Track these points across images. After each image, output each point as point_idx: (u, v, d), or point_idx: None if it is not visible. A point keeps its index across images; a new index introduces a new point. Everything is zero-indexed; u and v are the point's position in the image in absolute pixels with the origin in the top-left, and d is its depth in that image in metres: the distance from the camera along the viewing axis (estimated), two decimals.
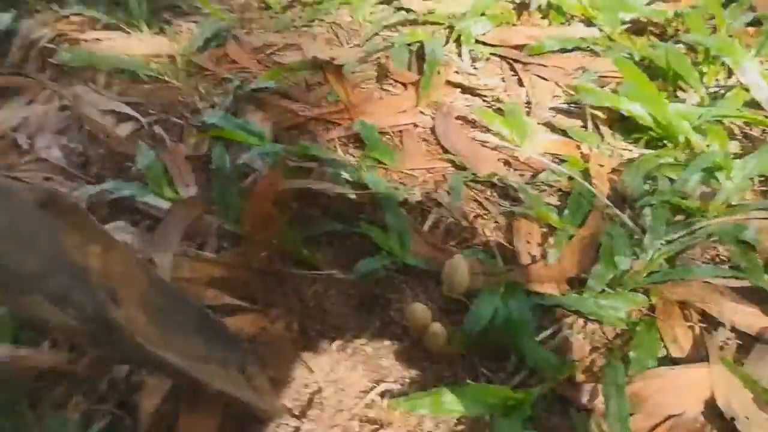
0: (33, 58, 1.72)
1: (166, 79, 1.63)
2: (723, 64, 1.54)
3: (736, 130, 1.44)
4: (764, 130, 1.40)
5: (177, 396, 0.92)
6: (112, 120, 1.52)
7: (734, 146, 1.40)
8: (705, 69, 1.58)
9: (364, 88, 1.59)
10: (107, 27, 1.83)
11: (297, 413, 0.93)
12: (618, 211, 1.19)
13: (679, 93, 1.54)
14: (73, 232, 0.75)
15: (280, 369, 0.99)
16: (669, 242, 1.11)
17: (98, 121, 1.50)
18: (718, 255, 1.16)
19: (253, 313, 1.05)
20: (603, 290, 1.08)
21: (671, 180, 1.23)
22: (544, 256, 1.12)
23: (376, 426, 0.91)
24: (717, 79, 1.58)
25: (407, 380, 0.97)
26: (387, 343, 1.03)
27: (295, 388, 0.97)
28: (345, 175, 1.23)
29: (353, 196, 1.20)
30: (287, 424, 0.91)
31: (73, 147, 1.45)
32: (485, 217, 1.21)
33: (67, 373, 0.97)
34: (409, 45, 1.69)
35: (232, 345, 0.95)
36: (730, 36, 1.62)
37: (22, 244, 0.59)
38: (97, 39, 1.76)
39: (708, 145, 1.32)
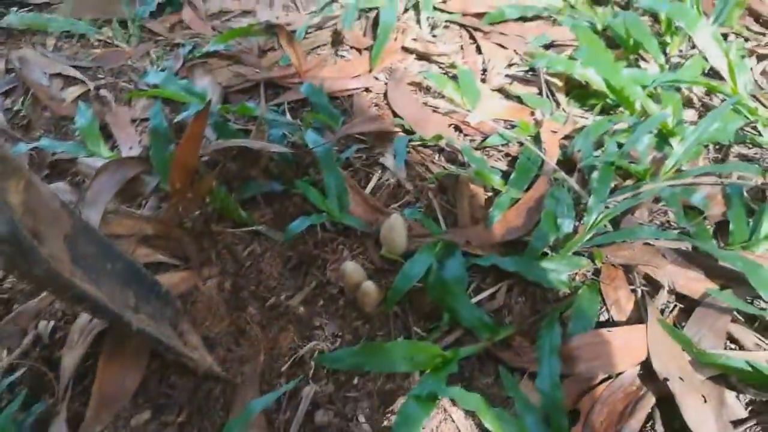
0: None
1: (117, 43, 1.60)
2: (686, 35, 1.52)
3: (695, 99, 1.42)
4: (723, 99, 1.38)
5: (98, 354, 0.90)
6: (59, 83, 1.49)
7: (692, 114, 1.38)
8: (668, 39, 1.56)
9: (318, 53, 1.56)
10: None
11: (225, 369, 0.90)
12: (566, 176, 1.16)
13: (642, 63, 1.52)
14: None
15: (211, 328, 0.96)
16: (614, 205, 1.09)
17: (44, 84, 1.46)
18: (668, 221, 1.15)
19: (185, 272, 1.03)
20: (545, 253, 1.06)
21: (620, 144, 1.21)
22: (486, 219, 1.10)
23: (303, 382, 0.89)
24: (680, 49, 1.56)
25: (338, 339, 0.95)
26: (321, 303, 1.01)
27: (225, 345, 0.94)
28: (287, 135, 1.20)
29: (290, 156, 1.16)
30: (214, 381, 0.89)
31: (17, 109, 1.41)
32: (431, 180, 1.19)
33: None
34: (366, 11, 1.65)
35: (164, 300, 0.93)
36: (693, 6, 1.60)
37: None
38: (48, 2, 1.71)
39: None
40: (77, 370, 0.89)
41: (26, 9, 1.70)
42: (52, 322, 0.96)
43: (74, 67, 1.51)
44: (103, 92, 1.45)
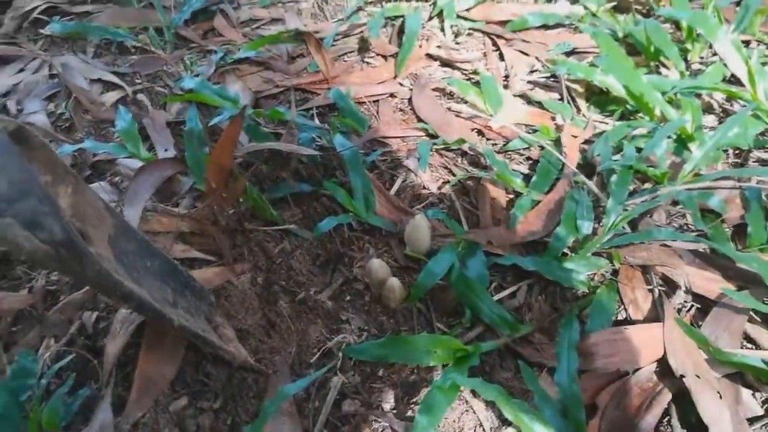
0: (25, 29, 1.76)
1: (153, 50, 1.67)
2: (707, 42, 1.54)
3: (715, 105, 1.44)
4: (743, 105, 1.39)
5: (139, 343, 0.95)
6: (99, 88, 1.56)
7: (712, 120, 1.40)
8: (689, 47, 1.58)
9: (345, 60, 1.61)
10: (97, 0, 1.87)
11: (257, 360, 0.95)
12: (585, 179, 1.19)
13: (662, 70, 1.54)
14: (44, 170, 0.78)
15: (244, 321, 1.01)
16: (632, 207, 1.12)
17: (85, 88, 1.53)
18: (686, 224, 1.17)
19: (219, 267, 1.08)
20: (565, 253, 1.09)
21: (639, 149, 1.24)
22: (507, 220, 1.13)
23: (331, 374, 0.93)
24: (701, 57, 1.58)
25: (364, 333, 0.99)
26: (348, 298, 1.05)
27: (257, 337, 0.99)
28: (316, 139, 1.26)
29: (319, 159, 1.22)
30: (248, 371, 0.94)
31: (60, 113, 1.48)
32: (453, 182, 1.23)
33: (41, 318, 1.01)
34: (391, 19, 1.70)
35: (199, 295, 0.98)
36: (714, 14, 1.61)
37: None
38: (87, 11, 1.79)
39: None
40: (119, 358, 0.95)
41: (68, 18, 1.79)
42: (95, 313, 1.02)
43: (113, 72, 1.59)
44: (140, 96, 1.52)
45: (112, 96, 1.53)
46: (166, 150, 1.33)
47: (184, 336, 0.92)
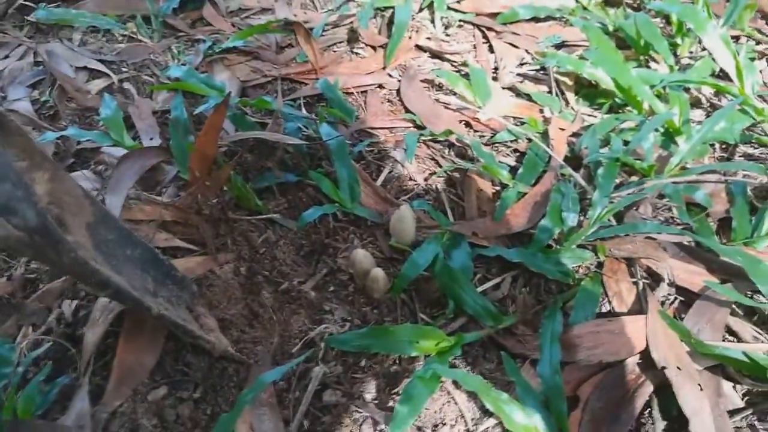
0: (11, 15, 1.74)
1: (141, 38, 1.65)
2: (697, 36, 1.54)
3: (703, 100, 1.44)
4: (731, 99, 1.39)
5: (119, 332, 0.95)
6: (85, 76, 1.54)
7: (700, 114, 1.40)
8: (679, 41, 1.58)
9: (334, 50, 1.60)
10: None
11: (239, 350, 0.95)
12: (572, 171, 1.19)
13: (652, 64, 1.54)
14: (22, 155, 0.77)
15: (226, 310, 1.00)
16: (618, 200, 1.12)
17: (70, 76, 1.51)
18: (671, 217, 1.17)
19: (202, 257, 1.07)
20: (550, 245, 1.09)
21: (626, 142, 1.24)
22: (493, 212, 1.13)
23: (313, 363, 0.93)
24: (691, 51, 1.58)
25: (347, 323, 0.99)
26: (332, 289, 1.05)
27: (239, 327, 0.98)
28: (302, 129, 1.25)
29: (305, 149, 1.21)
30: (229, 361, 0.93)
31: (44, 100, 1.46)
32: (439, 174, 1.22)
33: (20, 306, 1.00)
34: (381, 10, 1.69)
35: (180, 284, 0.97)
36: (704, 8, 1.61)
37: None
38: None
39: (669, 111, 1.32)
40: (98, 347, 0.93)
41: (54, 4, 1.76)
42: (75, 301, 1.01)
43: (99, 60, 1.57)
44: (126, 85, 1.51)
45: (97, 84, 1.52)
46: (151, 139, 1.31)
47: (163, 325, 0.91)
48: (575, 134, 1.32)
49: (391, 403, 0.89)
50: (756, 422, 0.86)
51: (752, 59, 1.47)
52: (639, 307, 1.01)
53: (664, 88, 1.36)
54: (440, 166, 1.24)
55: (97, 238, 0.86)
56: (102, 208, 0.88)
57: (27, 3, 1.74)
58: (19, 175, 0.66)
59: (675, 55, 1.55)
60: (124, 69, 1.56)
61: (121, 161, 1.10)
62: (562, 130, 1.31)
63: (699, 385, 0.87)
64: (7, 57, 1.60)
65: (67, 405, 0.87)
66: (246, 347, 0.96)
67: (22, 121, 1.39)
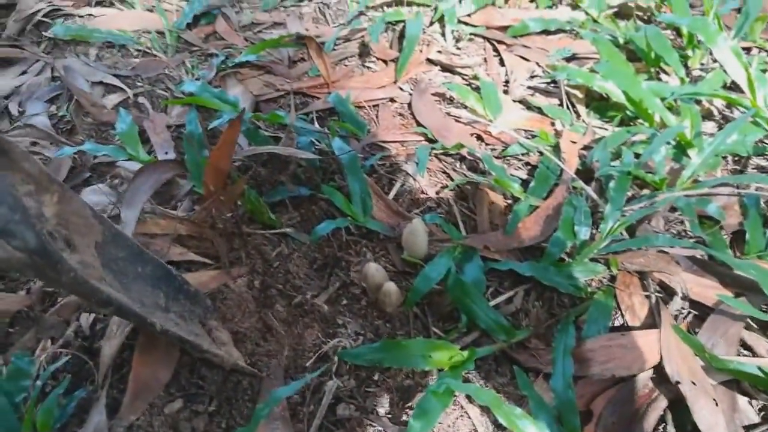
0: (29, 32, 1.77)
1: (155, 53, 1.67)
2: (708, 49, 1.54)
3: (715, 112, 1.44)
4: (743, 112, 1.39)
5: (135, 345, 0.96)
6: (101, 91, 1.57)
7: (712, 126, 1.40)
8: (690, 53, 1.58)
9: (346, 64, 1.62)
10: (100, 3, 1.89)
11: (252, 363, 0.95)
12: (584, 185, 1.19)
13: (663, 76, 1.54)
14: (27, 180, 0.78)
15: (240, 324, 1.01)
16: (630, 213, 1.12)
17: (86, 91, 1.54)
18: (684, 230, 1.17)
19: (216, 270, 1.08)
20: (562, 259, 1.09)
21: (638, 155, 1.24)
22: (505, 225, 1.13)
23: (326, 377, 0.93)
24: (702, 63, 1.58)
25: (360, 337, 0.99)
26: (345, 302, 1.05)
27: (253, 340, 0.99)
28: (315, 143, 1.26)
29: (317, 163, 1.22)
30: (242, 374, 0.94)
31: (61, 115, 1.49)
32: (451, 187, 1.23)
33: (38, 319, 1.02)
34: (392, 24, 1.71)
35: (193, 299, 0.98)
36: (715, 20, 1.62)
37: None
38: (91, 14, 1.80)
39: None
40: (115, 360, 0.95)
41: (71, 21, 1.80)
42: (92, 315, 1.02)
43: (115, 75, 1.60)
44: (141, 99, 1.53)
45: (113, 99, 1.54)
46: (166, 153, 1.33)
47: (169, 340, 0.92)
48: (586, 147, 1.33)
49: (404, 418, 0.89)
50: None
51: (764, 71, 1.46)
52: (652, 321, 1.01)
53: (675, 100, 1.36)
54: (452, 180, 1.25)
55: (106, 257, 0.87)
56: (112, 226, 0.89)
57: (44, 19, 1.77)
58: (16, 198, 0.67)
59: (686, 67, 1.55)
60: (138, 84, 1.59)
61: (136, 175, 1.12)
62: (574, 143, 1.32)
63: (714, 400, 0.86)
64: (25, 72, 1.63)
65: (85, 418, 0.88)
66: (260, 360, 0.97)
67: (40, 135, 1.42)
